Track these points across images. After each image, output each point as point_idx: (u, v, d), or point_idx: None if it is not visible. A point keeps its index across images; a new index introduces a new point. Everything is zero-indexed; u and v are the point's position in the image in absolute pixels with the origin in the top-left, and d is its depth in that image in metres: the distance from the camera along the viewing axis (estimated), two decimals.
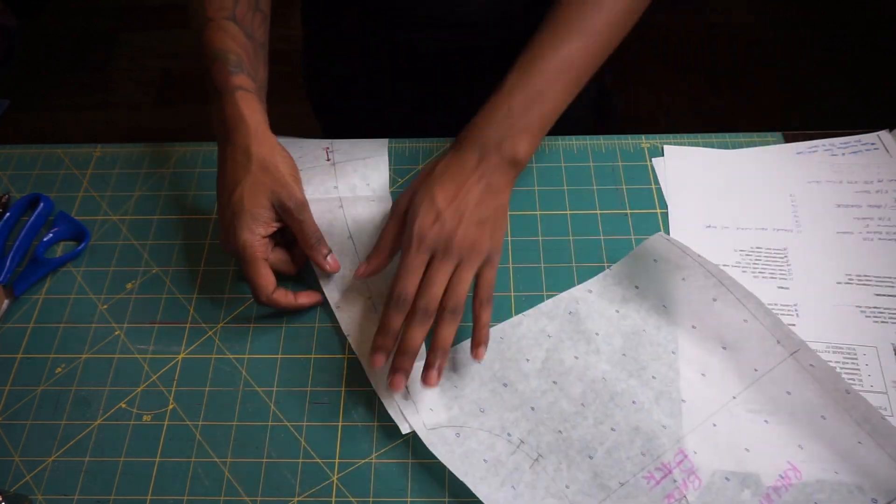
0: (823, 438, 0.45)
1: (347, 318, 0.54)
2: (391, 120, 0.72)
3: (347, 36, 0.71)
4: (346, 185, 0.59)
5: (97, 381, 0.52)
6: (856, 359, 0.50)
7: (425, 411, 0.49)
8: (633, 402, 0.48)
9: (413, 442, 0.49)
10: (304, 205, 0.53)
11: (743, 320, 0.49)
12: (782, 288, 0.54)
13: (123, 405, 0.51)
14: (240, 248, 0.51)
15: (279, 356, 0.53)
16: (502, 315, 0.54)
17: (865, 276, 0.54)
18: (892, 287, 0.53)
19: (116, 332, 0.54)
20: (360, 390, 0.51)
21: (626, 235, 0.58)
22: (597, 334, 0.52)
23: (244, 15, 0.56)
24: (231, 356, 0.53)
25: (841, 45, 1.72)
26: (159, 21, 1.87)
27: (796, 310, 0.53)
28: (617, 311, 0.53)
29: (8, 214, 0.59)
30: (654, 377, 0.49)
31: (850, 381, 0.49)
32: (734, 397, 0.48)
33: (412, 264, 0.48)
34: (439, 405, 0.49)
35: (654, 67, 1.70)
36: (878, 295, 0.53)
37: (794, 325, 0.52)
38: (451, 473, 0.47)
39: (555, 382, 0.50)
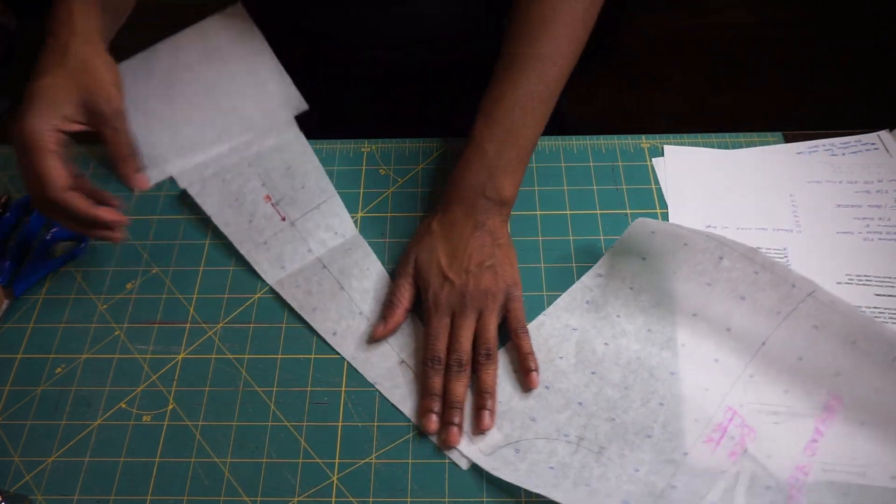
0: (859, 361, 0.46)
1: (350, 345, 0.53)
2: (361, 129, 0.69)
3: (298, 51, 0.70)
4: (317, 243, 0.57)
5: (97, 381, 0.52)
6: None
7: (478, 438, 0.48)
8: (672, 374, 0.49)
9: (413, 442, 0.49)
10: (121, 114, 0.49)
11: (753, 272, 0.49)
12: None
13: (123, 405, 0.51)
14: (25, 135, 0.45)
15: (279, 356, 0.53)
16: None
17: (865, 276, 0.54)
18: (892, 287, 0.53)
19: (116, 332, 0.54)
20: (360, 390, 0.51)
21: None
22: (618, 317, 0.52)
23: None
24: (231, 356, 0.53)
25: (841, 45, 1.72)
26: (159, 21, 1.87)
27: None
28: (631, 288, 0.53)
29: (8, 214, 0.59)
30: (683, 344, 0.50)
31: None
32: (763, 343, 0.48)
33: (437, 329, 0.51)
34: (491, 427, 0.49)
35: (654, 67, 1.70)
36: (878, 295, 0.53)
37: None
38: (451, 473, 0.47)
39: (593, 373, 0.50)
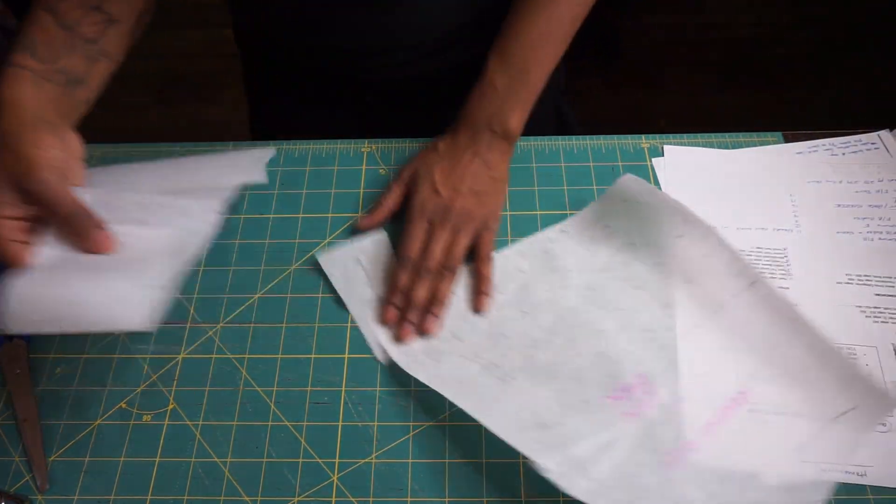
0: (776, 363, 0.49)
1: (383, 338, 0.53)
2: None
3: (287, 64, 0.70)
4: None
5: (97, 381, 0.52)
6: (856, 359, 0.50)
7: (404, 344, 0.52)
8: (600, 331, 0.51)
9: (413, 442, 0.49)
10: (46, 188, 0.45)
11: (703, 255, 0.52)
12: (782, 288, 0.54)
13: (123, 405, 0.51)
14: None
15: (279, 356, 0.53)
16: None
17: (865, 276, 0.54)
18: (892, 287, 0.53)
19: (116, 332, 0.54)
20: (360, 390, 0.51)
21: None
22: (569, 271, 0.55)
23: (69, 10, 0.52)
24: (231, 356, 0.53)
25: (841, 45, 1.72)
26: (159, 21, 1.87)
27: None
28: (587, 250, 0.56)
29: None
30: (619, 308, 0.52)
31: None
32: (696, 326, 0.51)
33: (415, 231, 0.55)
34: (434, 332, 0.52)
35: (654, 67, 1.70)
36: (878, 295, 0.53)
37: None
38: (450, 473, 0.47)
39: (526, 312, 0.53)
